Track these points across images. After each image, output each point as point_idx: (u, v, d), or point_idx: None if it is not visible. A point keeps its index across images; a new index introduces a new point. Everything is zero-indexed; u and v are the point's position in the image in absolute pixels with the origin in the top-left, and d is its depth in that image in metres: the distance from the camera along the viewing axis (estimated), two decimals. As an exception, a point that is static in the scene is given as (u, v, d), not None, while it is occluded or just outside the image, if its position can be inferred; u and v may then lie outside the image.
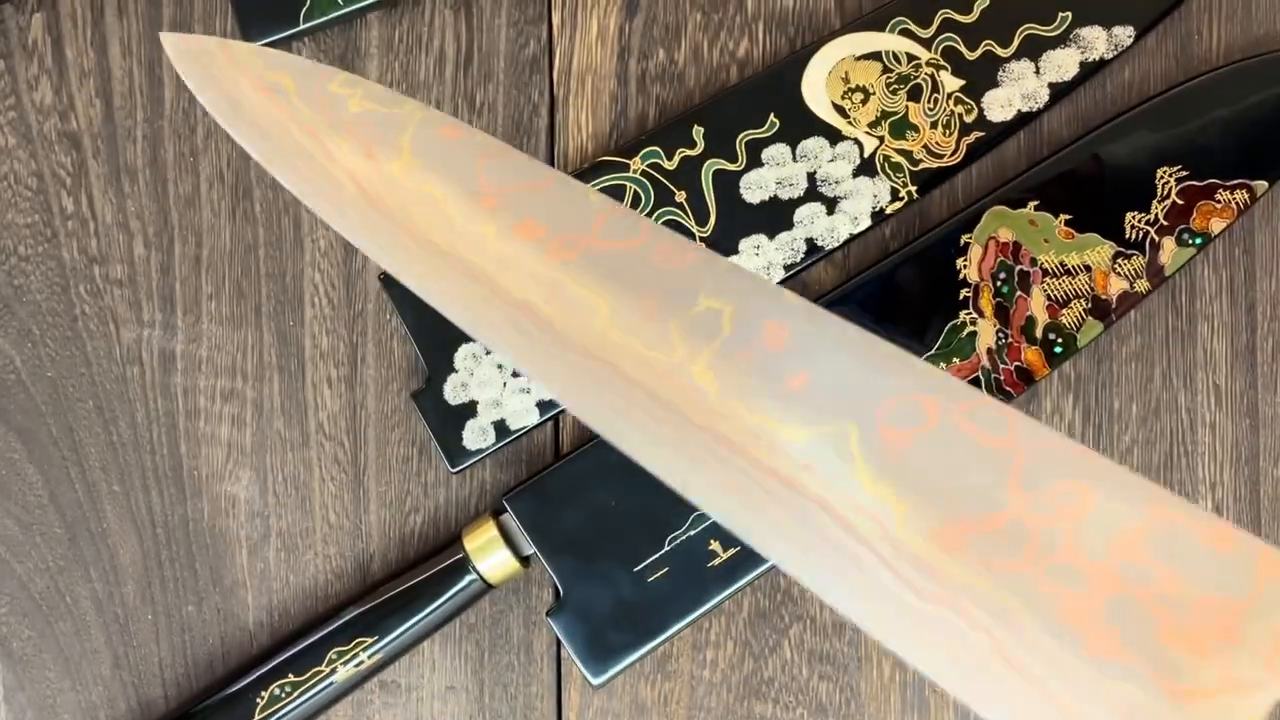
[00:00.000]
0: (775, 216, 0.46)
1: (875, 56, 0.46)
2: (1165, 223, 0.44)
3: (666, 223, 0.46)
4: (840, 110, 0.46)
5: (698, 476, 0.32)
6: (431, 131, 0.35)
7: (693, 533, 0.45)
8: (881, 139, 0.46)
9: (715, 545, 0.44)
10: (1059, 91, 0.46)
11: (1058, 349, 0.44)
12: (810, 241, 0.46)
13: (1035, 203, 0.45)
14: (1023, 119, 0.46)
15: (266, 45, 0.48)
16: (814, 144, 0.46)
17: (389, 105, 0.36)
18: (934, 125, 0.46)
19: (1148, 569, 0.29)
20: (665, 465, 0.32)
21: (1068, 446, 0.30)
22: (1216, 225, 0.44)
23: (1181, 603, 0.28)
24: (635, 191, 0.46)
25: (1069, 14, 0.45)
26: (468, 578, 0.45)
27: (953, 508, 0.30)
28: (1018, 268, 0.44)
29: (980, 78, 0.46)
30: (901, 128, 0.46)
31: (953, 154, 0.46)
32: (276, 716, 0.45)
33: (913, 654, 0.30)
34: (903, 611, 0.30)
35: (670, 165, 0.46)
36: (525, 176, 0.34)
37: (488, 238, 0.34)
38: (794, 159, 0.46)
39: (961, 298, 0.45)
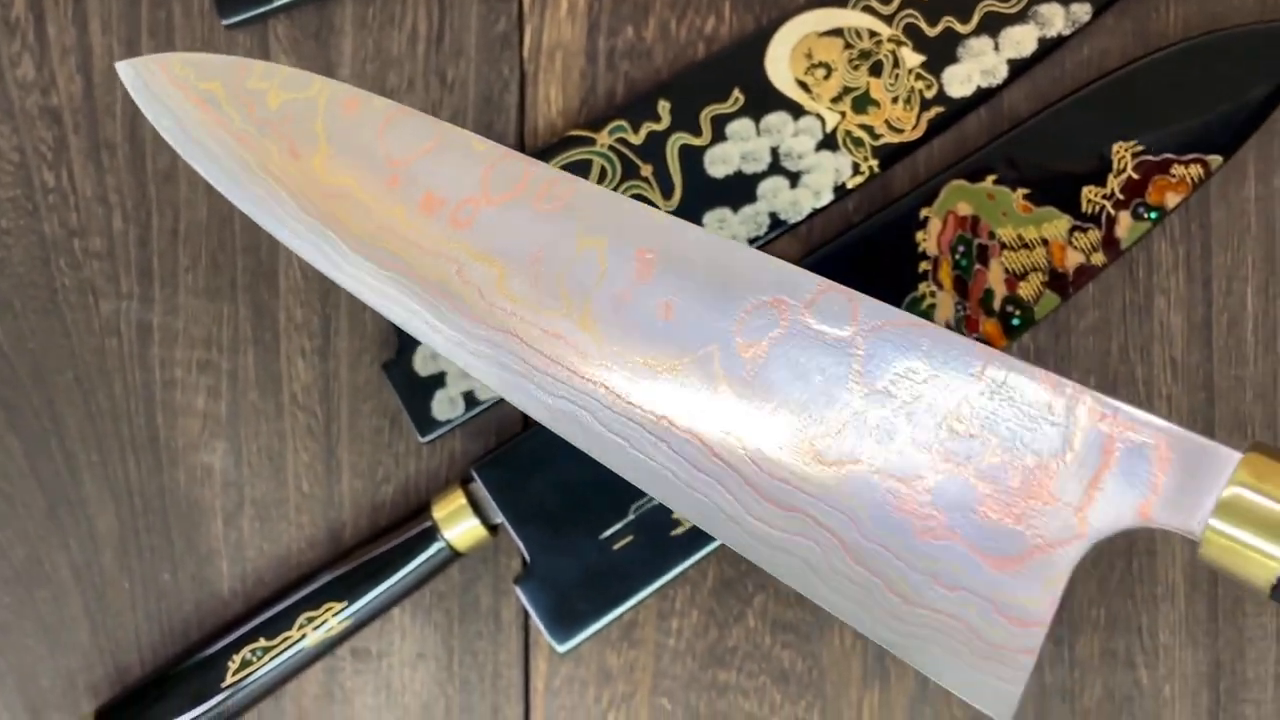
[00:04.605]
0: (739, 190, 0.46)
1: (837, 33, 0.47)
2: (1121, 197, 0.45)
3: (633, 197, 0.46)
4: (803, 86, 0.47)
5: (588, 433, 0.35)
6: (337, 110, 0.38)
7: (656, 501, 0.45)
8: (843, 114, 0.46)
9: (678, 514, 0.45)
10: (1018, 68, 0.46)
11: (1015, 321, 0.45)
12: (773, 215, 0.46)
13: (994, 177, 0.45)
14: (982, 95, 0.46)
15: (242, 23, 0.49)
16: (777, 119, 0.46)
17: (300, 90, 0.39)
18: (895, 101, 0.46)
19: (974, 443, 0.31)
20: (565, 428, 0.35)
21: (903, 323, 0.32)
22: (1172, 199, 0.45)
23: (1003, 472, 0.31)
24: (602, 166, 0.47)
25: (1029, -9, 0.46)
26: (436, 545, 0.46)
27: (803, 416, 0.32)
28: (976, 241, 0.45)
29: (940, 54, 0.46)
30: (863, 103, 0.46)
31: (913, 129, 0.46)
32: (248, 680, 0.46)
33: (774, 567, 0.33)
34: (766, 525, 0.33)
35: (636, 140, 0.47)
36: (417, 139, 0.37)
37: (400, 221, 0.37)
38: (758, 134, 0.46)
39: (921, 270, 0.45)
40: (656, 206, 0.46)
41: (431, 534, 0.46)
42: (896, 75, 0.46)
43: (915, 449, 0.32)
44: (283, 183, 0.38)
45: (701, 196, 0.46)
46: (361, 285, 0.37)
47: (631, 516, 0.45)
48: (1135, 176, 0.45)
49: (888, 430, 0.32)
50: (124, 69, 0.41)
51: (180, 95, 0.40)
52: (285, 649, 0.46)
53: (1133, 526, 0.30)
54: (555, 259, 0.35)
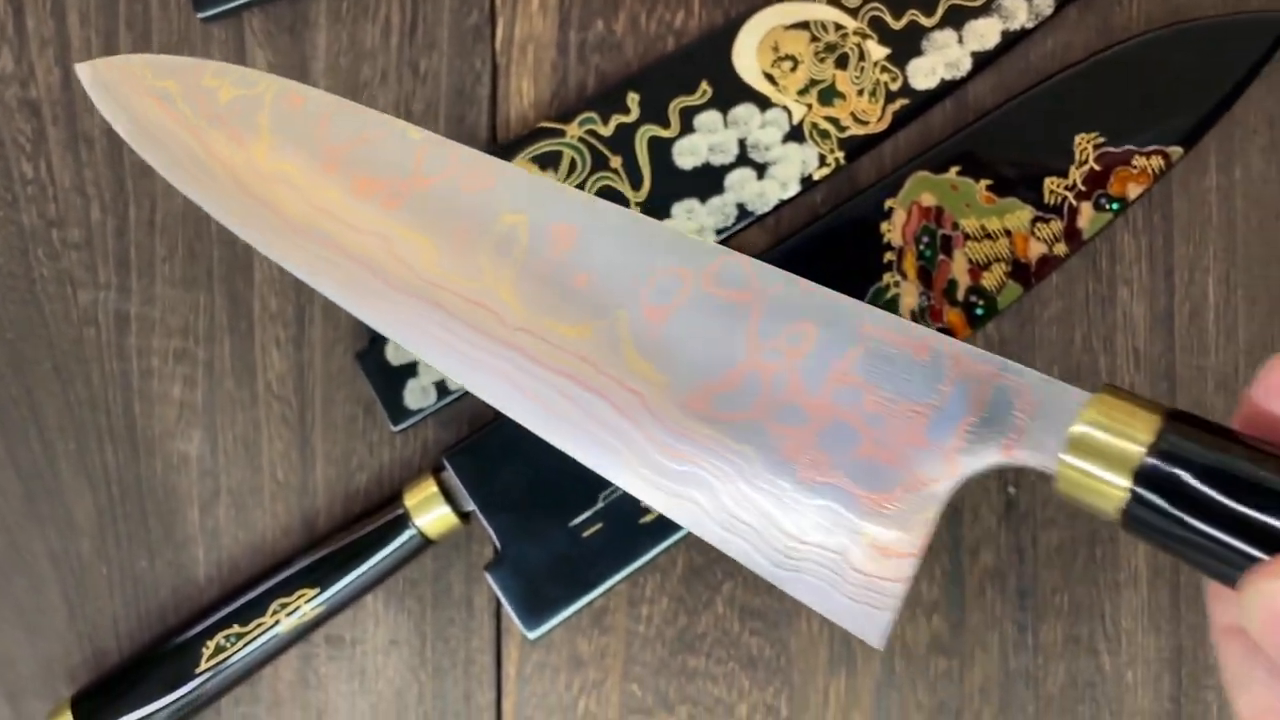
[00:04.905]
0: (707, 182, 0.47)
1: (804, 26, 0.47)
2: (1083, 188, 0.45)
3: (602, 188, 0.47)
4: (770, 78, 0.47)
5: (504, 391, 0.37)
6: (284, 104, 0.40)
7: (625, 490, 0.46)
8: (810, 106, 0.47)
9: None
10: (982, 60, 0.47)
11: (979, 310, 0.45)
12: (741, 206, 0.47)
13: (957, 168, 0.46)
14: (947, 87, 0.47)
15: (217, 16, 0.49)
16: (744, 111, 0.47)
17: (250, 87, 0.41)
18: (860, 93, 0.47)
19: (856, 391, 0.34)
20: (483, 388, 0.37)
21: (796, 288, 0.35)
22: (1133, 190, 0.45)
23: (882, 417, 0.34)
24: (572, 157, 0.47)
25: (992, -16, 0.47)
26: (407, 533, 0.46)
27: (701, 372, 0.35)
28: (940, 231, 0.46)
29: (905, 47, 0.47)
30: (829, 95, 0.47)
31: (879, 121, 0.47)
32: (222, 666, 0.46)
33: (670, 510, 0.35)
34: (663, 475, 0.35)
35: (606, 131, 0.47)
36: (355, 130, 0.40)
37: (334, 203, 0.39)
38: (725, 126, 0.47)
39: (886, 261, 0.46)
40: (626, 198, 0.47)
41: (403, 522, 0.46)
42: (862, 68, 0.47)
43: (803, 400, 0.34)
44: (225, 169, 0.40)
45: (670, 188, 0.47)
46: (295, 265, 0.39)
47: (600, 504, 0.46)
48: (1097, 168, 0.45)
49: (779, 384, 0.34)
50: (83, 70, 0.43)
51: (136, 93, 0.42)
52: (259, 635, 0.46)
53: (998, 464, 0.32)
54: (479, 234, 0.38)
